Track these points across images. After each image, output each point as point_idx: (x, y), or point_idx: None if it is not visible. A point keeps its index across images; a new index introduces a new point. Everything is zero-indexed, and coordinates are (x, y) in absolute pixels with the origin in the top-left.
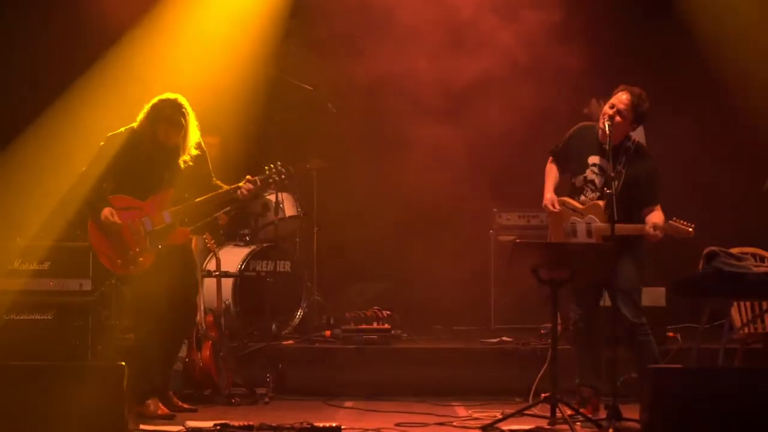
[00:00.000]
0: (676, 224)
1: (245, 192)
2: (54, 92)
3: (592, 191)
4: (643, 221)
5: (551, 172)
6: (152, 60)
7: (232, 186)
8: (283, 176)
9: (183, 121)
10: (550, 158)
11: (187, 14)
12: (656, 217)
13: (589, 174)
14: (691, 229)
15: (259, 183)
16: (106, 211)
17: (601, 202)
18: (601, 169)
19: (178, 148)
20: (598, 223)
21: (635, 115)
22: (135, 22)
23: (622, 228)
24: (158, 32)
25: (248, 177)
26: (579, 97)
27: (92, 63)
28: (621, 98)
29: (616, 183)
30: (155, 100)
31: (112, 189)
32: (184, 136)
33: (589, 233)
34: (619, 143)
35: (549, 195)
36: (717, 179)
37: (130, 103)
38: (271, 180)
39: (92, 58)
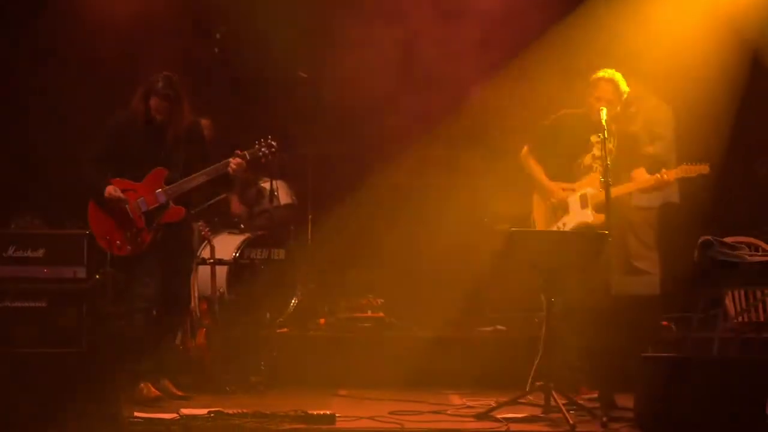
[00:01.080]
0: (689, 166)
1: (235, 166)
2: None
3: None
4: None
5: (535, 166)
6: None
7: (222, 162)
8: (273, 149)
9: (174, 96)
10: (527, 149)
11: None
12: (644, 173)
13: (597, 151)
14: (706, 165)
15: (248, 156)
16: (110, 188)
17: (596, 174)
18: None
19: (171, 127)
20: (593, 191)
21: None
22: None
23: (629, 186)
24: None
25: (237, 152)
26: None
27: None
28: (605, 89)
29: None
30: (152, 76)
31: (112, 172)
32: (176, 112)
33: (584, 203)
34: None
35: (555, 185)
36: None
37: None
38: (260, 153)
39: None
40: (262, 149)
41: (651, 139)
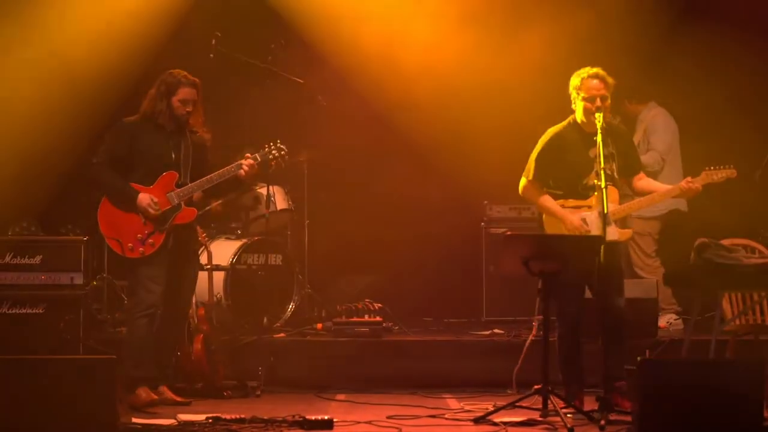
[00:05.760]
0: (714, 170)
1: (247, 168)
2: None
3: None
4: (635, 191)
5: (544, 197)
6: None
7: (234, 164)
8: (283, 152)
9: (197, 83)
10: (529, 184)
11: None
12: (654, 184)
13: (597, 166)
14: (732, 168)
15: (259, 158)
16: (146, 198)
17: (612, 188)
18: (606, 156)
19: (185, 129)
20: (611, 206)
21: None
22: None
23: (653, 198)
24: None
25: (248, 155)
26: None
27: None
28: (596, 86)
29: (613, 165)
30: (163, 75)
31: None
32: (196, 104)
33: (606, 221)
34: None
35: (571, 216)
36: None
37: None
38: (271, 156)
39: None
40: (273, 152)
41: (646, 149)
